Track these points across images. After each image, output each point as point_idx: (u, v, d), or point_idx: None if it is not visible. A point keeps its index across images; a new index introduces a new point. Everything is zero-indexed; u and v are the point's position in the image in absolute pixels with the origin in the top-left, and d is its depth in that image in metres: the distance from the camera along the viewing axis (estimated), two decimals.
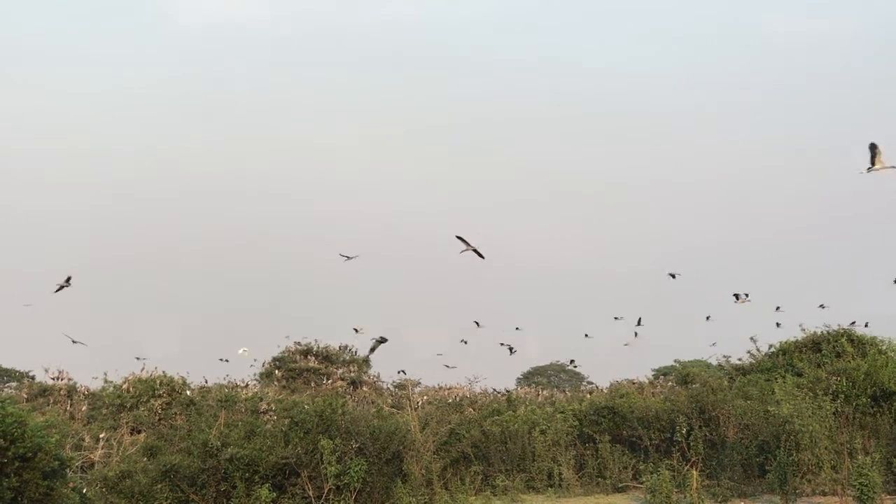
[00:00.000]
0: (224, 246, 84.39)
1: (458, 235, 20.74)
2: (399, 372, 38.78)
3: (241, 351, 33.21)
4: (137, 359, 30.23)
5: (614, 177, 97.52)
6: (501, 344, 33.46)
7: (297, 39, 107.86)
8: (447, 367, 36.26)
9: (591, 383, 46.25)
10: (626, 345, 34.29)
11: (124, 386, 26.72)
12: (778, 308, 30.49)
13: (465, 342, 34.42)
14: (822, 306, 30.44)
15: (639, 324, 32.27)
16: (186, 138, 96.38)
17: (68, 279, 22.61)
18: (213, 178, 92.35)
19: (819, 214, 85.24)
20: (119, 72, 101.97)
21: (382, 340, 27.93)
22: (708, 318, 31.63)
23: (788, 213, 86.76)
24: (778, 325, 30.11)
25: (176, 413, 25.62)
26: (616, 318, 32.80)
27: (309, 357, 36.69)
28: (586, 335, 34.67)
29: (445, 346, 38.34)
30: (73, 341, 27.22)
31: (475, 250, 20.76)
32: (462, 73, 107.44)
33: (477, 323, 33.17)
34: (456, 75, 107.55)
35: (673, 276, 30.26)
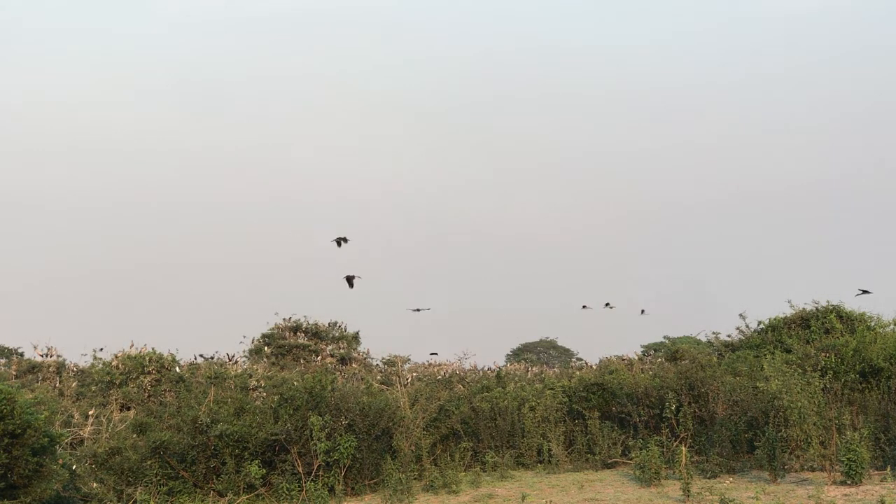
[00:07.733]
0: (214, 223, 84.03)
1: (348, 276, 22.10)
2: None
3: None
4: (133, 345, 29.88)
5: (611, 152, 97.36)
6: None
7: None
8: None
9: (581, 360, 46.40)
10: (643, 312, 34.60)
11: (113, 363, 26.63)
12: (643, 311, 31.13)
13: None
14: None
15: (608, 306, 32.72)
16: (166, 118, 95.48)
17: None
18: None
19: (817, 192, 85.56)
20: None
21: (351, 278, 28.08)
22: None
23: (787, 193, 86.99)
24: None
25: (165, 390, 25.58)
26: (608, 305, 33.07)
27: (298, 333, 36.63)
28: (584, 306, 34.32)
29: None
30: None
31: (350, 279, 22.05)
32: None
33: (609, 304, 33.46)
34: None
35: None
